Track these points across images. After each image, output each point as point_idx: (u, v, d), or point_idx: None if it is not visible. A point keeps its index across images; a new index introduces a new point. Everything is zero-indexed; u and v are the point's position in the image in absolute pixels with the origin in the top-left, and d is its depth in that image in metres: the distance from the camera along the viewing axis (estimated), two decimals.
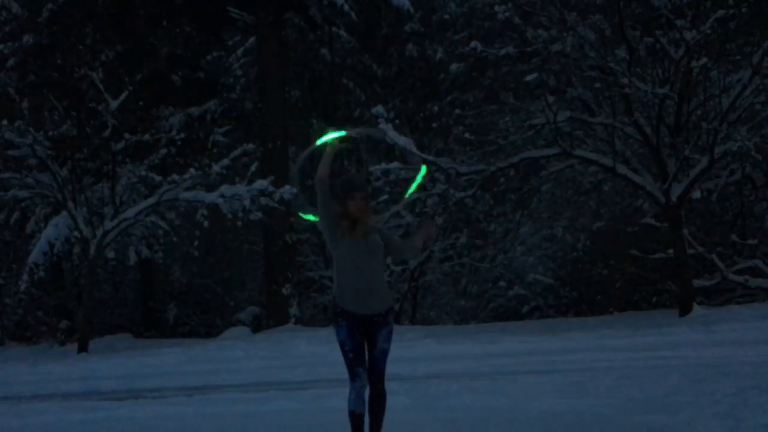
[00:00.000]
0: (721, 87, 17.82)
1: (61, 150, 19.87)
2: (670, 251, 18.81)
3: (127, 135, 20.22)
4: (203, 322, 25.57)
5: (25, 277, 20.07)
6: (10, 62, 22.18)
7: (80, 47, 20.89)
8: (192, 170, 19.74)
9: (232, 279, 26.24)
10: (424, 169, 6.54)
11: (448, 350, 14.63)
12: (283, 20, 22.82)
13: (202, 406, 9.23)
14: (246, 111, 25.03)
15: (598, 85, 18.85)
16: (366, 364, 5.93)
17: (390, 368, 6.18)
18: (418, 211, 22.00)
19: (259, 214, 19.83)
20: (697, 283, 18.81)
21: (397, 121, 21.00)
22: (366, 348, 5.96)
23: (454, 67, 22.32)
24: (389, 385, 6.06)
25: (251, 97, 24.78)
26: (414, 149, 20.96)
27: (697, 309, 17.48)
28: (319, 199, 5.98)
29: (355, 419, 5.88)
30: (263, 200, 19.44)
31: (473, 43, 20.19)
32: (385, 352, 5.98)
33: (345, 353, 5.91)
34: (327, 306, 24.19)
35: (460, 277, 24.78)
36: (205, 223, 19.81)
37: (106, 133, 20.05)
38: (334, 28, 23.79)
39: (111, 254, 21.03)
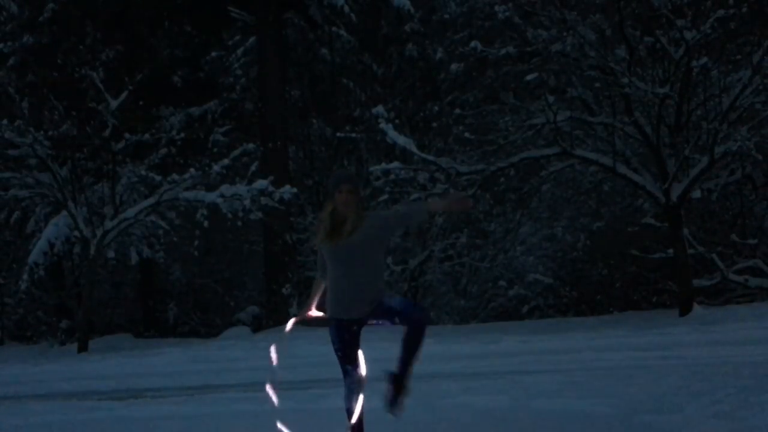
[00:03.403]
0: (721, 87, 17.83)
1: (61, 150, 19.89)
2: (670, 251, 18.82)
3: (127, 135, 20.25)
4: (203, 321, 25.57)
5: (25, 276, 20.10)
6: (11, 62, 22.20)
7: (80, 47, 20.92)
8: (192, 170, 19.78)
9: (232, 279, 26.24)
10: None
11: (448, 350, 14.62)
12: (283, 20, 22.84)
13: (202, 405, 9.23)
14: (246, 111, 25.04)
15: (598, 84, 18.85)
16: (357, 362, 5.88)
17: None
18: None
19: (259, 214, 19.85)
20: (697, 282, 18.81)
21: (397, 121, 20.98)
22: (358, 346, 5.92)
23: (454, 67, 22.32)
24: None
25: (251, 97, 24.78)
26: (414, 149, 20.90)
27: (697, 309, 17.50)
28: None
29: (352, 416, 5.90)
30: (263, 200, 19.46)
31: (473, 43, 20.21)
32: (404, 306, 5.78)
33: (335, 351, 5.94)
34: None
35: (460, 277, 24.77)
36: (205, 223, 19.83)
37: (107, 132, 20.07)
38: (334, 28, 23.80)
39: (111, 254, 21.06)
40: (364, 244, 5.76)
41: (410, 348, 5.70)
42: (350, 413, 5.89)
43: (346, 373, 5.88)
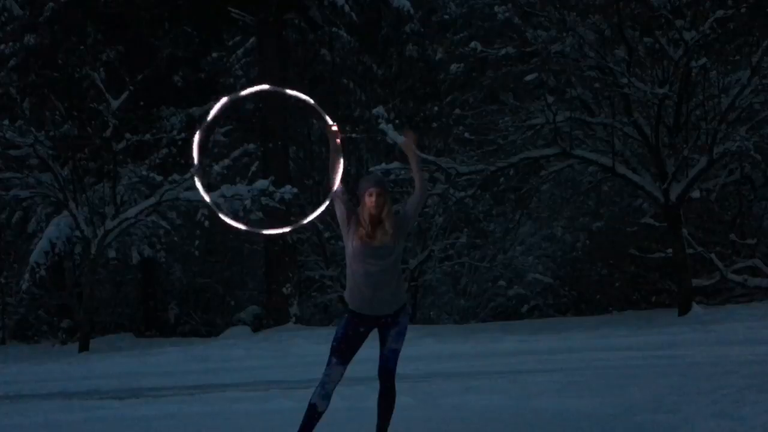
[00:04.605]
0: (720, 87, 17.88)
1: (62, 150, 19.92)
2: (669, 251, 18.86)
3: (128, 135, 20.28)
4: (204, 321, 25.61)
5: (26, 276, 20.11)
6: (12, 62, 22.22)
7: (81, 47, 20.93)
8: (192, 170, 19.79)
9: (232, 278, 26.28)
10: None
11: (448, 349, 14.65)
12: (284, 20, 22.86)
13: (202, 405, 9.25)
14: (246, 111, 25.07)
15: (597, 85, 18.90)
16: (346, 363, 5.89)
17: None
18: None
19: (260, 214, 19.87)
20: (696, 282, 18.85)
21: (397, 121, 21.01)
22: (356, 349, 5.95)
23: (454, 67, 22.36)
24: None
25: (251, 97, 24.80)
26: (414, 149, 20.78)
27: (696, 308, 17.54)
28: (336, 207, 5.97)
29: (310, 409, 5.88)
30: (264, 200, 19.49)
31: (473, 44, 20.25)
32: (395, 352, 5.96)
33: (332, 341, 5.93)
34: (327, 305, 24.22)
35: (460, 277, 24.82)
36: (206, 223, 19.85)
37: (107, 132, 20.10)
38: (334, 29, 23.83)
39: (112, 254, 21.09)
40: (395, 245, 5.86)
41: (385, 413, 6.06)
42: (311, 406, 5.88)
43: (329, 364, 5.87)
